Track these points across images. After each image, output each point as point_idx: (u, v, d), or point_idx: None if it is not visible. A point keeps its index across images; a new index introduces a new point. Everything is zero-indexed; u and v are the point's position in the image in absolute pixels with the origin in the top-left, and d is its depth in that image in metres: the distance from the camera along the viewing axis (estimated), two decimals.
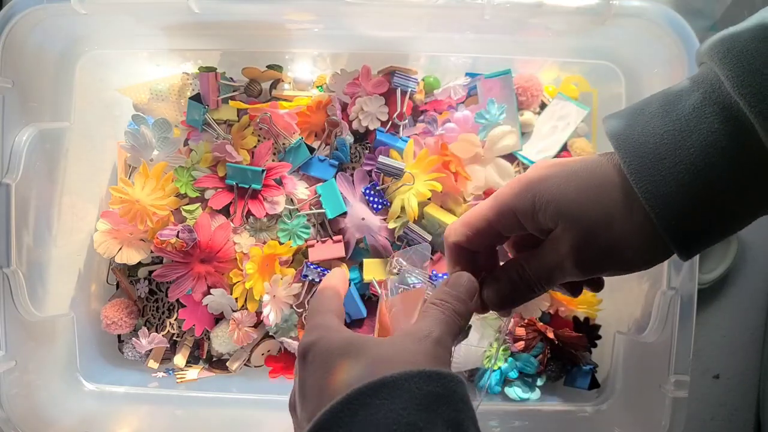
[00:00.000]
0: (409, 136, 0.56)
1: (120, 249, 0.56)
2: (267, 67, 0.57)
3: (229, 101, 0.56)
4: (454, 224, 0.37)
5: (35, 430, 0.51)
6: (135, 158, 0.57)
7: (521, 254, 0.36)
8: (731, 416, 0.70)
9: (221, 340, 0.57)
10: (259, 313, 0.56)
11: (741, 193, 0.28)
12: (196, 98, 0.56)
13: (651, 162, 0.29)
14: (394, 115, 0.56)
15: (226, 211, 0.57)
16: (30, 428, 0.51)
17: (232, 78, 0.58)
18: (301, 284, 0.56)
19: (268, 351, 0.59)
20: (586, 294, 0.56)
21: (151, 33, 0.55)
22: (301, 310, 0.56)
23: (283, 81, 0.58)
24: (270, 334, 0.57)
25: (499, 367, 0.54)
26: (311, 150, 0.56)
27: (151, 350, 0.59)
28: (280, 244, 0.55)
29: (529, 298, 0.36)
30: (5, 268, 0.49)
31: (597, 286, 0.38)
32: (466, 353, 0.54)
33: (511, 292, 0.36)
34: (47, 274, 0.55)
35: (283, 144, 0.57)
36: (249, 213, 0.56)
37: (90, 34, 0.54)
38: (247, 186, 0.55)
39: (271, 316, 0.55)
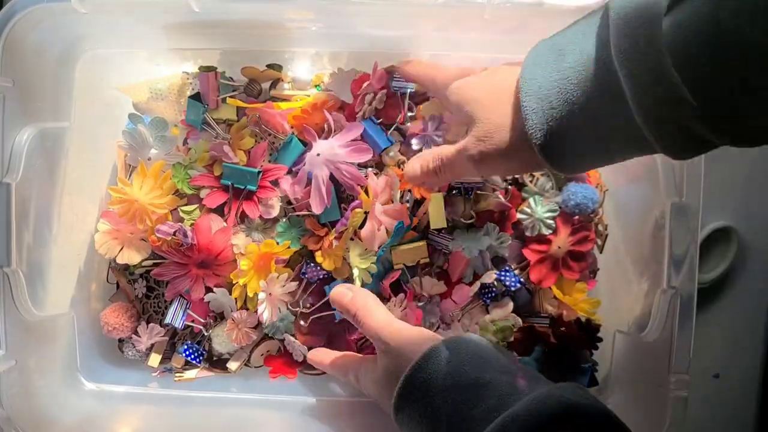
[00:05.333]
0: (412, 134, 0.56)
1: (121, 249, 0.56)
2: (267, 66, 0.57)
3: (227, 99, 0.56)
4: None
5: (35, 429, 0.51)
6: (133, 158, 0.57)
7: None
8: (731, 415, 0.70)
9: (221, 340, 0.57)
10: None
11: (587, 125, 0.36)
12: (196, 97, 0.56)
13: (536, 93, 0.37)
14: (397, 119, 0.55)
15: (220, 211, 0.56)
16: (30, 427, 0.51)
17: (231, 77, 0.58)
18: (298, 282, 0.56)
19: (268, 351, 0.59)
20: (589, 300, 0.56)
21: (152, 32, 0.55)
22: (297, 309, 0.56)
23: (282, 80, 0.58)
24: (265, 333, 0.57)
25: None
26: (305, 144, 0.56)
27: (151, 347, 0.59)
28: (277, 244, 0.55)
29: (434, 179, 0.47)
30: (5, 268, 0.49)
31: None
32: None
33: (422, 167, 0.46)
34: (47, 273, 0.55)
35: (274, 143, 0.57)
36: (243, 214, 0.55)
37: (90, 34, 0.54)
38: (242, 187, 0.55)
39: (266, 313, 0.54)
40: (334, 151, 0.52)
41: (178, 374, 0.58)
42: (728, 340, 0.70)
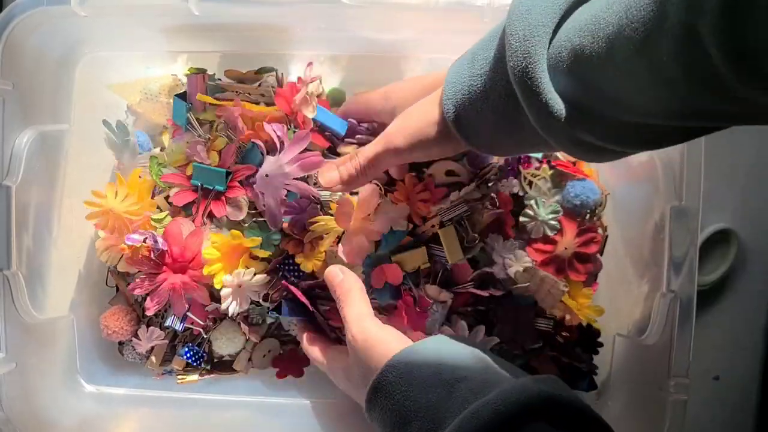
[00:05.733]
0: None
1: (122, 257, 0.55)
2: (258, 69, 0.56)
3: (197, 95, 0.54)
4: None
5: (35, 431, 0.51)
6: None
7: None
8: (731, 417, 0.70)
9: (221, 342, 0.57)
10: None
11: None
12: (182, 96, 0.55)
13: (454, 92, 0.40)
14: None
15: (190, 211, 0.55)
16: (30, 430, 0.51)
17: (220, 79, 0.57)
18: (270, 276, 0.54)
19: (269, 351, 0.58)
20: (593, 307, 0.55)
21: (152, 35, 0.55)
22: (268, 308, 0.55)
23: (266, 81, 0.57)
24: (251, 318, 0.56)
25: None
26: (262, 153, 0.54)
27: (151, 349, 0.59)
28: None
29: (356, 182, 0.47)
30: (5, 270, 0.50)
31: None
32: None
33: (342, 172, 0.46)
34: (47, 276, 0.55)
35: (239, 146, 0.55)
36: (211, 214, 0.54)
37: (90, 37, 0.54)
38: (211, 187, 0.54)
39: (232, 306, 0.53)
40: (282, 170, 0.50)
41: (180, 377, 0.58)
42: (728, 342, 0.70)
